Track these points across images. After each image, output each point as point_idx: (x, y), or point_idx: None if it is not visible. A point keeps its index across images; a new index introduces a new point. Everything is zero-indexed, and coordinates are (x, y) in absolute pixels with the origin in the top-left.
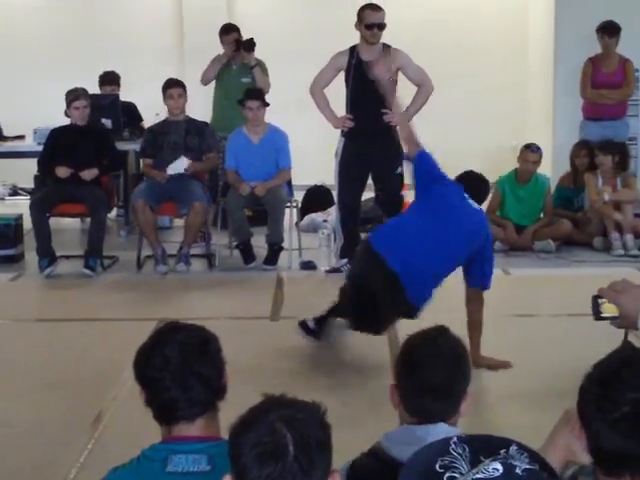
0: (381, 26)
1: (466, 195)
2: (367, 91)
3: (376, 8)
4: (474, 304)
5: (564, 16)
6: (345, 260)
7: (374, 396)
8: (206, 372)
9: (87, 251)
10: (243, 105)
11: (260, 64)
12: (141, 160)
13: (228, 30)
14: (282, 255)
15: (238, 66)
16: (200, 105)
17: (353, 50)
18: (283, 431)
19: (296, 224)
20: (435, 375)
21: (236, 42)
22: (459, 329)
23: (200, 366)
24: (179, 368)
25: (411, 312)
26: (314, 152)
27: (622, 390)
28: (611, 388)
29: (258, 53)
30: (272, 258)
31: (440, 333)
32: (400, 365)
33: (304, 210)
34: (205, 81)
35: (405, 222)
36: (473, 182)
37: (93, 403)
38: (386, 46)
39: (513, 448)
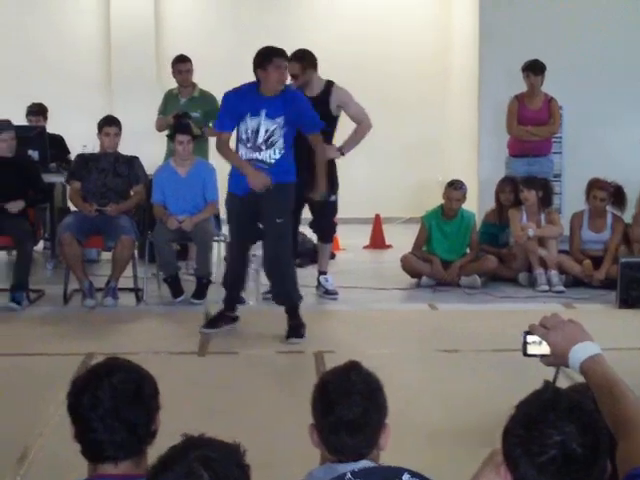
0: (292, 76)
1: None
2: None
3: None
4: None
5: (488, 53)
6: None
7: (300, 434)
8: (135, 419)
9: (13, 284)
10: (172, 139)
11: (207, 97)
12: (68, 188)
13: (184, 59)
14: (210, 289)
15: (186, 100)
16: (130, 136)
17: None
18: (200, 471)
19: (224, 258)
20: (350, 411)
21: (175, 118)
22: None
23: (130, 413)
24: (108, 412)
25: None
26: None
27: (548, 433)
28: (537, 430)
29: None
30: (200, 292)
31: (352, 369)
32: (315, 404)
33: None
34: (159, 130)
35: None
36: None
37: (18, 439)
38: (329, 82)
39: (406, 476)
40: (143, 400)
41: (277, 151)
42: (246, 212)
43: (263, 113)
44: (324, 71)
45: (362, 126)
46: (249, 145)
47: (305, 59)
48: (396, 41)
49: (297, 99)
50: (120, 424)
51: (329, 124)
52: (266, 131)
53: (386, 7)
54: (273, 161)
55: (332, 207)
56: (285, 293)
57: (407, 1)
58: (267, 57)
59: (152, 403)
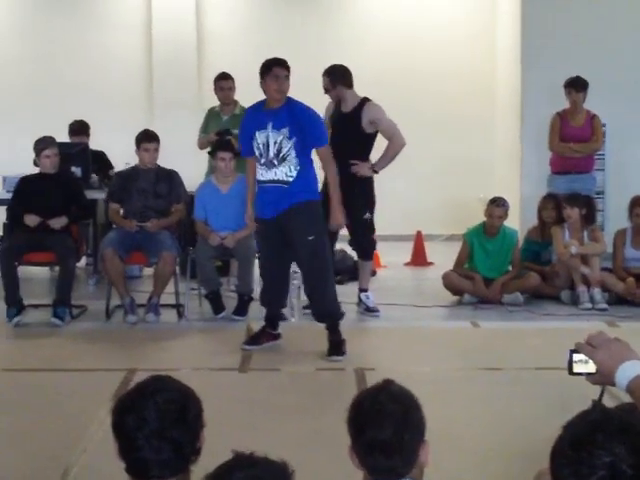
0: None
1: None
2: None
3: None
4: None
5: (531, 70)
6: None
7: (341, 454)
8: (180, 439)
9: (55, 300)
10: (214, 156)
11: None
12: (109, 205)
13: (226, 77)
14: (252, 306)
15: (228, 117)
16: (171, 153)
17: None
18: None
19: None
20: (381, 433)
21: (217, 135)
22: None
23: (175, 433)
24: (154, 432)
25: None
26: None
27: (597, 454)
28: (586, 452)
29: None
30: (242, 309)
31: (383, 389)
32: (349, 427)
33: None
34: (201, 147)
35: None
36: None
37: (61, 456)
38: (364, 99)
39: None
40: (188, 420)
41: (292, 168)
42: (273, 235)
43: (270, 126)
44: (372, 87)
45: (393, 142)
46: (263, 161)
47: (333, 74)
48: (441, 58)
49: (301, 110)
50: (166, 444)
51: (362, 141)
52: (275, 143)
53: (431, 24)
54: (290, 179)
55: (368, 225)
56: (326, 311)
57: (453, 18)
58: (267, 67)
59: (197, 422)
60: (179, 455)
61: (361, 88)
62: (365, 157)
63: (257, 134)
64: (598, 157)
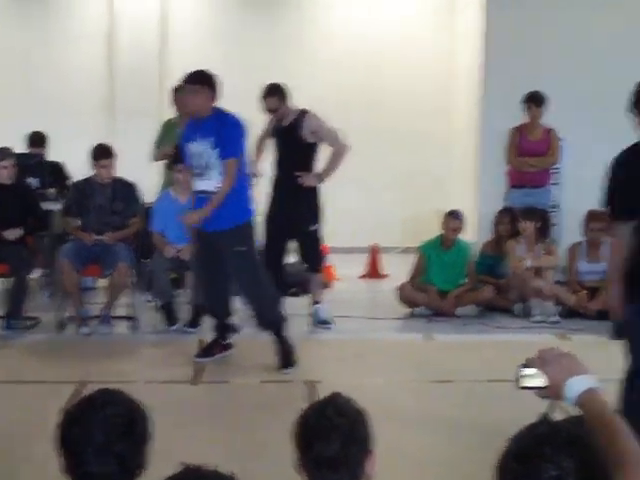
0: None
1: None
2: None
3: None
4: None
5: (490, 85)
6: None
7: (288, 465)
8: (125, 453)
9: (8, 312)
10: (171, 168)
11: None
12: (65, 218)
13: (182, 88)
14: (205, 318)
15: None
16: (131, 163)
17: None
18: None
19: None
20: (328, 448)
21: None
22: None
23: (120, 447)
24: (100, 446)
25: None
26: None
27: (544, 467)
28: (532, 465)
29: None
30: (195, 321)
31: (329, 403)
32: (297, 441)
33: None
34: (155, 160)
35: None
36: None
37: (8, 467)
38: (302, 111)
39: None
40: (134, 434)
41: (219, 178)
42: (207, 245)
43: (198, 136)
44: (329, 103)
45: (335, 150)
46: (195, 172)
47: (281, 92)
48: (400, 74)
49: (223, 120)
50: (111, 458)
51: (305, 152)
52: (202, 153)
53: (392, 39)
54: (218, 190)
55: (315, 236)
56: (266, 319)
57: (413, 33)
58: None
59: (143, 436)
60: (124, 469)
61: (321, 102)
62: (310, 168)
63: (189, 145)
64: (554, 171)
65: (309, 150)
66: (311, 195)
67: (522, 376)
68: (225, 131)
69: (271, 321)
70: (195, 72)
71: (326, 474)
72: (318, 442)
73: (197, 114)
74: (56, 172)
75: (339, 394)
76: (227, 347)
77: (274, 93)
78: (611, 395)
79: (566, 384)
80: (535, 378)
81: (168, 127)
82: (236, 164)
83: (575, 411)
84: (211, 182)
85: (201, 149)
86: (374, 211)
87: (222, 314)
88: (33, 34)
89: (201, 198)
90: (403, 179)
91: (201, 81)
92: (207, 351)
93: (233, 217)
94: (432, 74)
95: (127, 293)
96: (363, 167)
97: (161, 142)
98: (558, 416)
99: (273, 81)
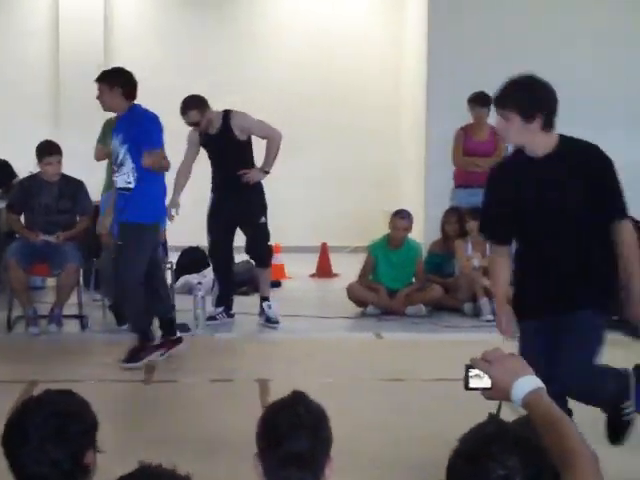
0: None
1: None
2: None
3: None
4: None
5: (435, 86)
6: (222, 308)
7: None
8: (60, 456)
9: None
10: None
11: None
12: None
13: None
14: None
15: None
16: (77, 161)
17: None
18: None
19: (171, 285)
20: (298, 444)
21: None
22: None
23: (55, 449)
24: (36, 448)
25: None
26: (190, 212)
27: (492, 467)
28: (480, 465)
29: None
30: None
31: (299, 401)
32: (262, 437)
33: (179, 271)
34: (97, 159)
35: None
36: None
37: None
38: (226, 112)
39: None
40: (68, 436)
41: (130, 174)
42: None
43: (114, 134)
44: (278, 96)
45: (270, 139)
46: (113, 168)
47: (199, 105)
48: (349, 70)
49: (134, 119)
50: (46, 459)
51: (242, 150)
52: (116, 150)
53: (340, 37)
54: (130, 186)
55: (263, 229)
56: (132, 324)
57: (361, 31)
58: None
59: (82, 438)
60: (58, 471)
61: (271, 97)
62: (251, 164)
63: (113, 143)
64: None
65: (245, 147)
66: (256, 189)
67: (469, 377)
68: (140, 123)
69: (135, 329)
70: (104, 71)
71: (291, 472)
72: (288, 439)
73: (112, 112)
74: (2, 170)
75: (304, 393)
76: (155, 348)
77: (192, 107)
78: None
79: (512, 385)
80: (481, 379)
81: (109, 125)
82: (161, 154)
83: (522, 412)
84: (123, 178)
85: (116, 146)
86: (324, 210)
87: (148, 315)
88: None
89: (118, 195)
90: (352, 178)
91: (108, 80)
92: (133, 356)
93: (132, 213)
94: (381, 71)
95: (76, 292)
96: (312, 165)
97: (102, 140)
98: (506, 415)
99: (223, 75)
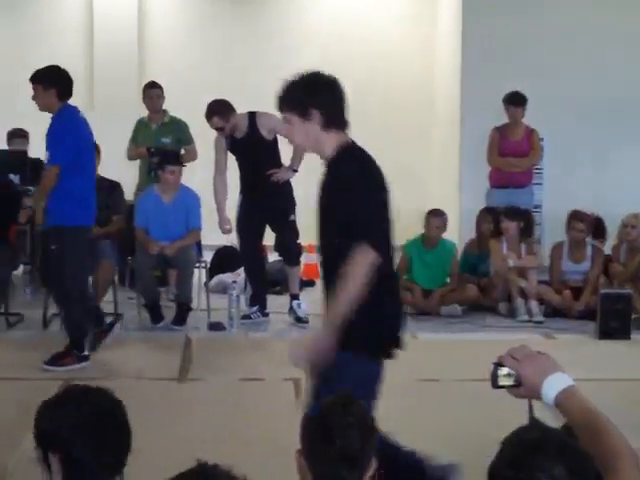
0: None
1: None
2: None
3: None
4: None
5: (470, 84)
6: (256, 307)
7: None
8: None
9: None
10: (162, 169)
11: (179, 124)
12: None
13: (154, 85)
14: (190, 315)
15: (157, 126)
16: (111, 159)
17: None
18: None
19: (205, 284)
20: (352, 444)
21: (148, 151)
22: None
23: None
24: (93, 432)
25: None
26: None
27: (537, 476)
28: (525, 472)
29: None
30: (180, 318)
31: (351, 402)
32: (311, 435)
33: (213, 271)
34: (130, 159)
35: None
36: None
37: None
38: (251, 114)
39: None
40: (119, 419)
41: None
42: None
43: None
44: None
45: None
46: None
47: (220, 111)
48: (382, 68)
49: (58, 119)
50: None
51: (270, 150)
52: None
53: (371, 33)
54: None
55: (292, 227)
56: (67, 330)
57: (394, 28)
58: None
59: (116, 430)
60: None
61: None
62: (279, 163)
63: None
64: (536, 171)
65: (273, 147)
66: (286, 187)
67: (497, 375)
68: (51, 131)
69: (70, 335)
70: (38, 70)
71: (341, 472)
72: (341, 439)
73: (48, 112)
74: (38, 168)
75: (351, 395)
76: (84, 358)
77: (214, 113)
78: (594, 394)
79: (543, 383)
80: (510, 377)
81: (140, 126)
82: (55, 170)
83: (552, 410)
84: None
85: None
86: None
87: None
88: (10, 28)
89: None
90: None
91: (43, 80)
92: (57, 359)
93: (56, 217)
94: (413, 69)
95: (112, 290)
96: None
97: (134, 141)
98: (552, 422)
99: (257, 78)
